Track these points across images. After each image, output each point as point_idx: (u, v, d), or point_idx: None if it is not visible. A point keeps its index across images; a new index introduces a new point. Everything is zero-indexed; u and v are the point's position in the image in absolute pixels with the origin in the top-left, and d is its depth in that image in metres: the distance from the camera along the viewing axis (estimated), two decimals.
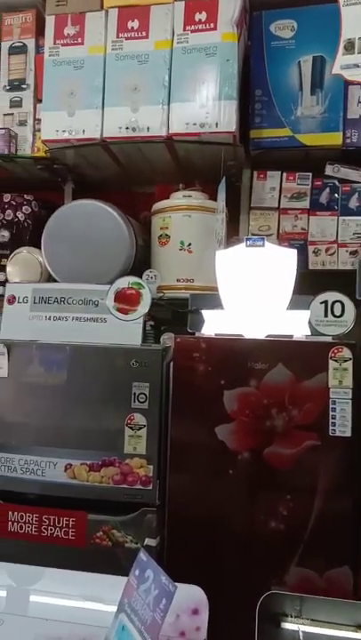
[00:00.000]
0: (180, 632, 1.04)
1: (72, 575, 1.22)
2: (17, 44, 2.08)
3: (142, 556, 1.00)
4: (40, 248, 2.00)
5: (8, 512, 1.58)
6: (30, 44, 2.07)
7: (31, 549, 1.54)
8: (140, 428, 1.52)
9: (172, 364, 1.59)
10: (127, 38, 1.80)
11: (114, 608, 1.10)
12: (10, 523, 1.57)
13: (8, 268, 2.09)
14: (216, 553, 1.46)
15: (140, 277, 1.75)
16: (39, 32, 2.05)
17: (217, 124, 1.72)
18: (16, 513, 1.57)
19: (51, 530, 1.55)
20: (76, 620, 1.08)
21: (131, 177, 2.24)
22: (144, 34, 1.79)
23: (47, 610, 1.12)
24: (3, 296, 2.10)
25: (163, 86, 1.77)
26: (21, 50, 2.08)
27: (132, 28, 1.80)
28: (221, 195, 1.76)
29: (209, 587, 1.10)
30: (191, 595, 1.11)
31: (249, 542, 1.45)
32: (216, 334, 1.56)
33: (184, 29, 1.76)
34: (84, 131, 1.84)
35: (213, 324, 1.58)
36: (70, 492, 1.56)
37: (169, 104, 1.77)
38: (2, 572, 1.25)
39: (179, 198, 1.96)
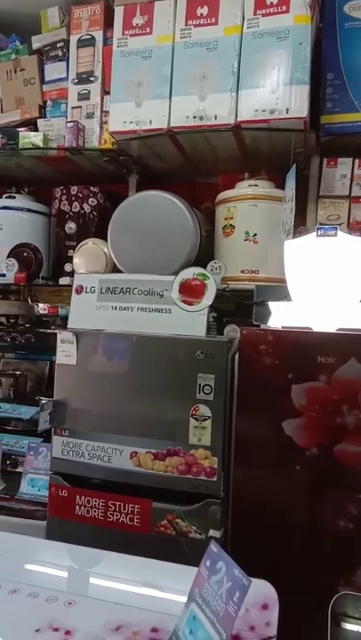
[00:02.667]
0: (249, 626, 1.03)
1: (139, 561, 1.24)
2: (85, 37, 2.11)
3: (213, 547, 1.00)
4: (105, 239, 2.03)
5: (75, 496, 1.63)
6: (98, 36, 2.09)
7: (97, 533, 1.58)
8: (205, 420, 1.52)
9: (237, 356, 1.57)
10: (196, 25, 1.78)
11: (181, 597, 1.11)
12: (77, 506, 1.62)
13: (74, 260, 2.13)
14: (281, 549, 1.44)
15: (205, 268, 1.73)
16: (107, 24, 2.07)
17: (287, 109, 1.67)
18: (83, 497, 1.62)
19: (116, 515, 1.58)
20: (145, 607, 1.10)
21: (194, 167, 2.23)
22: (213, 20, 1.76)
23: (116, 594, 1.14)
24: (70, 286, 2.16)
25: (232, 73, 1.74)
26: (89, 42, 2.10)
27: (201, 14, 1.77)
28: (291, 183, 1.71)
29: (273, 583, 1.09)
30: (260, 589, 1.10)
31: (315, 540, 1.42)
32: (283, 327, 1.52)
33: (255, 13, 1.71)
34: (151, 121, 1.84)
35: (280, 317, 1.54)
36: (135, 480, 1.58)
37: (238, 91, 1.74)
38: (73, 554, 1.29)
39: (244, 187, 1.93)
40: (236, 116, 1.74)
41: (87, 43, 2.11)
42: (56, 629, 1.01)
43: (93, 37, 2.10)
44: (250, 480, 1.48)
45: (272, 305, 1.56)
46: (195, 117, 1.78)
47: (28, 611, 1.07)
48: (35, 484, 1.90)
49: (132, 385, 1.62)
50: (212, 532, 1.47)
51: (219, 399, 1.52)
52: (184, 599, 1.08)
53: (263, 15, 1.70)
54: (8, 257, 2.21)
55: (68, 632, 1.00)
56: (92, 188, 2.25)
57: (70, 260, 2.19)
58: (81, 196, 2.26)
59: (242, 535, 1.48)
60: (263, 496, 1.47)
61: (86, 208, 2.26)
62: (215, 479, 1.49)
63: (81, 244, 2.14)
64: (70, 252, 2.22)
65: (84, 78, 2.12)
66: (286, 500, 1.44)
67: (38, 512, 1.79)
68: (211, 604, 0.93)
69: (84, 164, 2.26)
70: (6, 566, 1.23)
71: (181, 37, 1.80)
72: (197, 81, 1.78)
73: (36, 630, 1.00)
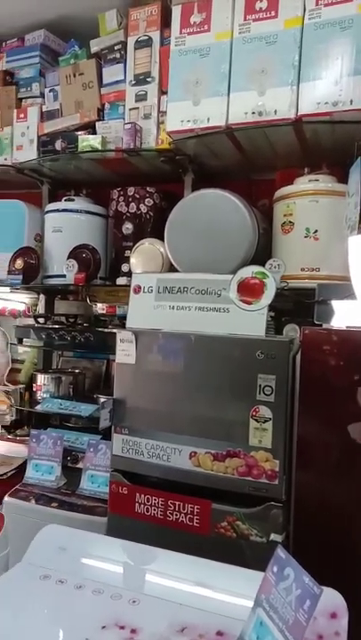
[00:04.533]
0: (317, 635, 1.00)
1: (201, 562, 1.23)
2: (142, 38, 2.12)
3: (280, 552, 0.97)
4: (161, 239, 2.04)
5: (135, 494, 1.64)
6: (155, 36, 2.10)
7: (156, 532, 1.59)
8: (266, 421, 1.49)
9: (298, 356, 1.53)
10: (255, 20, 1.74)
11: (244, 601, 1.09)
12: (137, 504, 1.64)
13: (131, 260, 2.16)
14: (345, 555, 1.39)
15: (263, 267, 1.70)
16: (164, 24, 2.07)
17: (351, 101, 1.61)
18: (143, 495, 1.63)
19: (176, 515, 1.58)
20: (209, 609, 1.09)
21: (250, 164, 2.19)
22: (273, 13, 1.72)
23: (180, 595, 1.13)
24: (127, 286, 2.18)
25: (292, 66, 1.69)
26: (147, 43, 2.12)
27: (261, 8, 1.73)
28: (356, 176, 1.64)
29: (337, 590, 1.04)
30: (329, 597, 1.06)
31: None
32: (347, 327, 1.47)
33: (316, 4, 1.66)
34: (208, 119, 1.83)
35: (344, 316, 1.49)
36: (194, 480, 1.57)
37: (298, 84, 1.69)
38: (135, 552, 1.29)
39: (304, 183, 1.88)
40: (297, 110, 1.69)
41: (144, 44, 2.12)
42: (122, 627, 1.02)
43: (150, 38, 2.11)
44: (313, 484, 1.44)
45: (336, 304, 1.51)
46: (254, 113, 1.75)
47: (93, 607, 1.09)
48: (94, 480, 1.94)
49: (191, 384, 1.62)
50: (273, 537, 1.44)
51: (280, 400, 1.48)
52: (248, 603, 1.07)
53: (325, 5, 1.65)
54: (68, 258, 2.27)
55: (133, 630, 1.01)
56: (148, 189, 2.27)
57: (127, 260, 2.21)
58: (138, 196, 2.28)
59: (304, 540, 1.44)
60: (327, 500, 1.42)
61: (143, 208, 2.27)
62: (277, 482, 1.46)
63: (138, 244, 2.16)
64: (127, 252, 2.24)
65: (141, 79, 2.14)
66: (351, 504, 1.39)
67: (98, 508, 1.82)
68: (279, 611, 0.91)
69: (140, 164, 2.28)
70: (71, 562, 1.26)
71: (240, 33, 1.77)
72: (256, 76, 1.75)
73: (103, 627, 1.02)
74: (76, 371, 2.58)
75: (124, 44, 2.19)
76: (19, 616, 1.06)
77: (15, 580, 1.18)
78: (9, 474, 2.13)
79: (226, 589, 1.15)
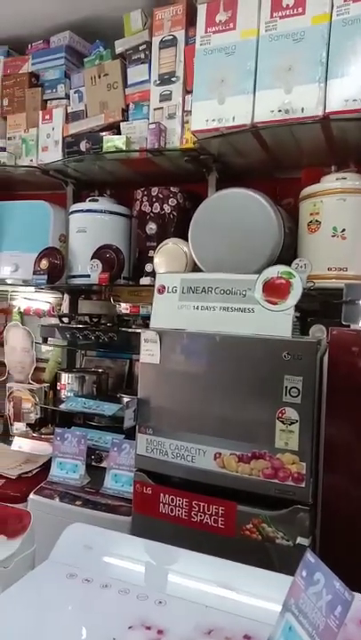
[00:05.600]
0: None
1: (227, 564, 1.22)
2: (167, 38, 2.12)
3: (310, 557, 0.95)
4: (184, 239, 2.03)
5: (160, 494, 1.64)
6: (180, 35, 2.09)
7: (180, 532, 1.58)
8: (292, 423, 1.47)
9: (325, 357, 1.51)
10: (281, 17, 1.73)
11: (271, 604, 1.08)
12: (161, 504, 1.63)
13: (155, 260, 2.16)
14: None
15: (289, 266, 1.68)
16: (189, 23, 2.07)
17: None
18: (167, 495, 1.63)
19: (200, 516, 1.57)
20: (236, 612, 1.08)
21: (275, 162, 2.17)
22: (300, 10, 1.70)
23: (206, 596, 1.12)
24: (150, 286, 2.19)
25: (319, 63, 1.67)
26: (171, 43, 2.11)
27: (288, 5, 1.72)
28: None
29: None
30: (357, 603, 1.04)
31: None
32: None
33: (345, 0, 1.63)
34: (234, 118, 1.82)
35: None
36: (219, 481, 1.56)
37: (326, 81, 1.67)
38: (160, 552, 1.29)
39: (331, 181, 1.85)
40: (325, 108, 1.67)
41: (169, 43, 2.12)
42: (148, 628, 1.01)
43: (175, 38, 2.10)
44: (340, 487, 1.42)
45: None
46: (280, 111, 1.73)
47: (119, 607, 1.09)
48: (118, 479, 1.95)
49: (215, 385, 1.61)
50: (300, 540, 1.42)
51: (307, 402, 1.46)
52: (275, 607, 1.05)
53: (354, 1, 1.62)
54: (92, 258, 2.28)
55: (160, 631, 1.00)
56: (172, 189, 2.27)
57: (151, 260, 2.21)
58: (161, 196, 2.28)
59: (332, 544, 1.42)
60: (354, 504, 1.40)
61: (166, 208, 2.27)
62: (303, 485, 1.44)
63: (161, 244, 2.16)
64: (151, 252, 2.24)
65: (165, 79, 2.14)
66: None
67: (122, 507, 1.82)
68: (309, 617, 0.90)
69: (164, 164, 2.28)
70: (97, 560, 1.26)
71: (266, 30, 1.76)
72: (283, 73, 1.73)
73: (129, 627, 1.01)
74: (100, 370, 2.60)
75: (149, 43, 2.19)
76: (46, 614, 1.07)
77: (42, 578, 1.19)
78: (34, 471, 2.15)
79: (252, 592, 1.14)
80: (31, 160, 2.52)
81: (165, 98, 2.15)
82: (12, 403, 2.72)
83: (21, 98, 2.56)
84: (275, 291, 1.63)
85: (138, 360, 1.74)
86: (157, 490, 1.65)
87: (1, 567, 1.23)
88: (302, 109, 1.70)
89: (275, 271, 1.64)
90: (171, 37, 2.12)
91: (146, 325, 1.94)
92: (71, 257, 2.46)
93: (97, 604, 1.10)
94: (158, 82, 2.16)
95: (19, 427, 2.64)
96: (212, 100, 1.86)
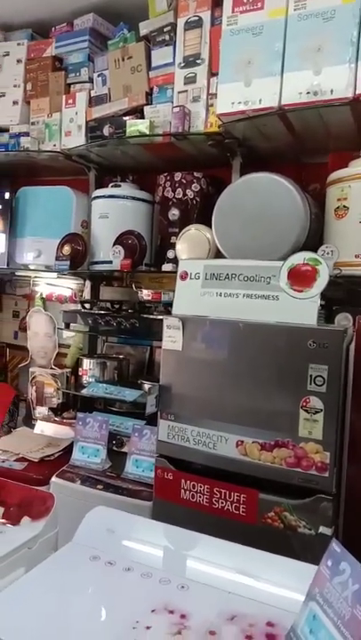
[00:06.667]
0: None
1: (250, 552, 1.22)
2: (193, 19, 2.08)
3: (335, 546, 0.94)
4: (207, 225, 2.01)
5: (181, 480, 1.64)
6: (206, 16, 2.05)
7: (201, 519, 1.58)
8: (317, 412, 1.45)
9: (352, 346, 1.48)
10: None
11: (294, 593, 1.07)
12: (182, 490, 1.64)
13: (177, 246, 2.14)
14: None
15: (315, 253, 1.65)
16: (215, 3, 2.02)
17: None
18: (188, 481, 1.63)
19: (222, 503, 1.57)
20: (258, 599, 1.08)
21: (302, 147, 2.12)
22: None
23: (228, 583, 1.12)
24: (171, 273, 2.17)
25: (350, 43, 1.62)
26: (197, 24, 2.07)
27: None
28: None
29: None
30: None
31: None
32: None
33: None
34: (260, 100, 1.77)
35: None
36: (240, 469, 1.56)
37: (357, 62, 1.61)
38: (182, 538, 1.29)
39: (360, 166, 1.80)
40: (355, 89, 1.62)
41: (194, 24, 2.07)
42: (171, 612, 1.02)
43: (201, 18, 2.06)
44: None
45: None
46: (308, 93, 1.69)
47: (142, 590, 1.10)
48: (139, 464, 1.96)
49: (238, 373, 1.59)
50: (322, 529, 1.41)
51: (332, 391, 1.44)
52: (298, 596, 1.05)
53: None
54: (114, 244, 2.27)
55: (183, 616, 1.01)
56: (195, 174, 2.24)
57: (173, 246, 2.20)
58: (184, 181, 2.25)
59: (354, 534, 1.41)
60: None
61: (189, 194, 2.25)
62: (327, 475, 1.42)
63: (184, 230, 2.14)
64: (173, 238, 2.22)
65: (190, 61, 2.10)
66: None
67: (143, 492, 1.83)
68: (334, 606, 0.89)
69: (187, 149, 2.25)
70: (119, 544, 1.27)
71: (295, 10, 1.70)
72: (312, 54, 1.68)
73: (152, 610, 1.02)
74: (121, 356, 2.60)
75: (174, 25, 2.15)
76: (69, 595, 1.08)
77: (66, 560, 1.21)
78: (56, 455, 2.18)
79: (275, 580, 1.13)
80: (54, 145, 2.52)
81: (190, 80, 2.11)
82: (34, 387, 2.75)
83: (45, 82, 2.55)
84: (300, 278, 1.60)
85: (158, 347, 1.73)
86: (179, 476, 1.65)
87: (25, 548, 1.25)
88: (331, 91, 1.65)
89: (301, 258, 1.61)
90: (196, 18, 2.07)
91: (168, 312, 1.93)
92: (93, 243, 2.45)
93: (120, 587, 1.11)
94: (183, 64, 2.12)
95: (41, 411, 2.67)
96: (238, 82, 1.82)
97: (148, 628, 0.96)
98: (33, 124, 2.59)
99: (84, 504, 1.68)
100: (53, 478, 1.97)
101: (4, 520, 1.36)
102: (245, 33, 1.80)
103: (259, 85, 1.78)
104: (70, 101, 2.46)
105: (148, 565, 1.18)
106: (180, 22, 2.11)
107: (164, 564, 1.20)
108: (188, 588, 1.10)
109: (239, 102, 1.82)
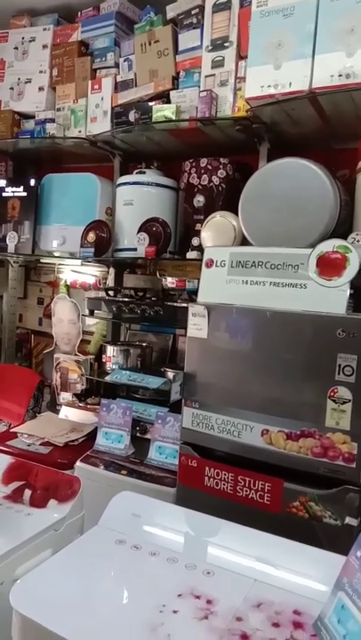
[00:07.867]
0: None
1: (276, 540, 1.21)
2: (221, 1, 2.03)
3: None
4: (232, 212, 1.98)
5: (205, 467, 1.64)
6: None
7: (225, 506, 1.59)
8: (345, 403, 1.43)
9: None
10: None
11: (320, 583, 1.07)
12: (206, 477, 1.64)
13: (202, 233, 2.12)
14: None
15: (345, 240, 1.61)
16: None
17: None
18: (213, 469, 1.63)
19: (246, 491, 1.57)
20: (285, 587, 1.07)
21: (332, 132, 2.07)
22: None
23: (254, 571, 1.12)
24: (196, 260, 2.16)
25: None
26: (225, 6, 2.03)
27: None
28: None
29: None
30: None
31: None
32: None
33: None
34: (290, 83, 1.73)
35: None
36: (266, 457, 1.55)
37: None
38: (207, 524, 1.30)
39: None
40: None
41: (223, 6, 2.03)
42: (197, 597, 1.02)
43: (230, 0, 2.01)
44: None
45: None
46: (341, 76, 1.64)
47: (168, 575, 1.10)
48: (162, 451, 1.97)
49: (265, 361, 1.58)
50: (348, 520, 1.40)
51: None
52: (324, 586, 1.04)
53: None
54: (139, 231, 2.26)
55: (209, 601, 1.01)
56: (221, 160, 2.21)
57: (198, 233, 2.18)
58: (210, 168, 2.22)
59: None
60: None
61: (215, 180, 2.22)
62: (354, 465, 1.41)
63: (209, 217, 2.11)
64: (198, 225, 2.20)
65: (218, 44, 2.06)
66: None
67: (166, 479, 1.85)
68: None
69: (214, 134, 2.22)
70: (145, 529, 1.28)
71: None
72: (344, 35, 1.63)
73: (179, 595, 1.03)
74: (144, 344, 2.61)
75: (202, 7, 2.11)
76: (96, 578, 1.10)
77: (92, 543, 1.22)
78: (80, 440, 2.21)
79: (301, 569, 1.13)
80: (79, 131, 2.51)
81: (218, 64, 2.07)
82: (59, 373, 2.78)
83: (70, 67, 2.54)
84: (330, 266, 1.57)
85: (181, 335, 1.72)
86: (202, 463, 1.65)
87: (52, 530, 1.27)
88: None
89: (330, 245, 1.58)
90: (225, 0, 2.03)
91: (191, 300, 1.92)
92: (117, 230, 2.45)
93: (146, 571, 1.12)
94: (210, 47, 2.08)
95: (65, 396, 2.71)
96: (267, 65, 1.78)
97: (175, 612, 0.97)
98: (59, 110, 2.59)
99: (108, 489, 1.71)
100: (78, 463, 1.99)
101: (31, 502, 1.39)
102: (276, 14, 1.75)
103: (289, 68, 1.74)
104: (96, 87, 2.45)
105: (174, 550, 1.19)
106: (208, 4, 2.07)
107: (189, 550, 1.21)
108: (214, 574, 1.11)
109: (268, 86, 1.78)
